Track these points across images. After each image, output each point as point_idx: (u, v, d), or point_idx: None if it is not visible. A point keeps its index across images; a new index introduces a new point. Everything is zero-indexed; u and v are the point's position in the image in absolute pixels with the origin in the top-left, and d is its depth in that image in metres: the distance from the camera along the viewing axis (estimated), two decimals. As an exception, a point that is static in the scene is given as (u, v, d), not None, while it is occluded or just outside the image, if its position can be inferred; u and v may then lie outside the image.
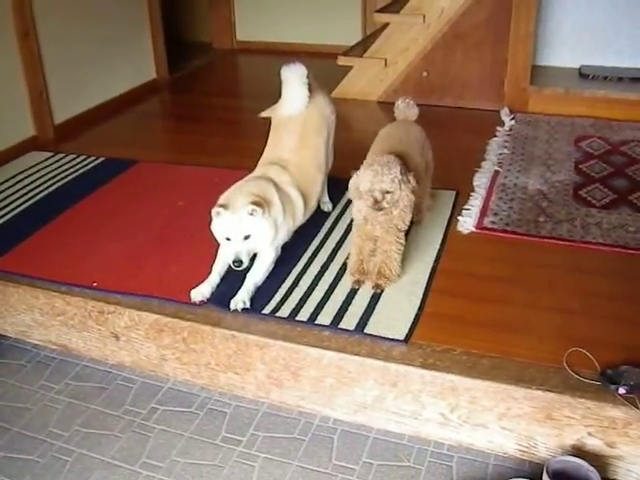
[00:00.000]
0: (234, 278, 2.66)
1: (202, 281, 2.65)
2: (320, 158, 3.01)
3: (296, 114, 3.00)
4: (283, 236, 2.76)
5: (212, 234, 2.61)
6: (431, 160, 2.99)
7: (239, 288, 2.60)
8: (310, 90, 3.01)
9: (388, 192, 2.43)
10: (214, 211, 2.53)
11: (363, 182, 2.45)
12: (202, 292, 2.60)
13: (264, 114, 3.11)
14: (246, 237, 2.53)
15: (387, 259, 2.60)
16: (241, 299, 2.54)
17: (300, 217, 2.84)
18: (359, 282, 2.65)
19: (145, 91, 5.31)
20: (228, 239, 2.55)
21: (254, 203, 2.52)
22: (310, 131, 3.00)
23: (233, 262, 2.53)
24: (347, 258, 2.73)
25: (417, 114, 3.02)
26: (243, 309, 2.54)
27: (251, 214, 2.51)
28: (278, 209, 2.67)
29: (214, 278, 2.64)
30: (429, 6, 4.62)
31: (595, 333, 2.38)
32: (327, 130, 3.07)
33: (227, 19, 6.70)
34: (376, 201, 2.43)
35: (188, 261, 2.83)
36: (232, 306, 2.54)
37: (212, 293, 2.61)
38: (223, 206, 2.52)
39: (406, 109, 3.02)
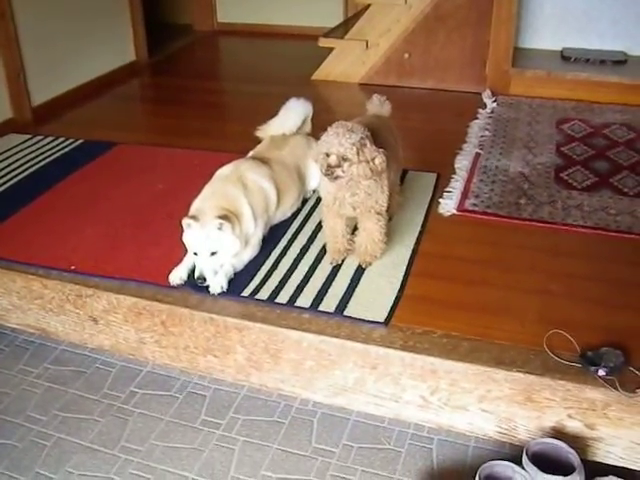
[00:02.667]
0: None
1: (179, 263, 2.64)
2: (298, 175, 3.06)
3: (288, 132, 3.16)
4: (261, 232, 2.77)
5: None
6: (401, 159, 2.91)
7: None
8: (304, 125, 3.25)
9: (345, 159, 2.34)
10: (185, 222, 2.50)
11: (321, 143, 2.38)
12: (180, 275, 2.58)
13: (258, 133, 3.22)
14: (213, 253, 2.51)
15: (370, 241, 2.60)
16: (219, 283, 2.52)
17: (273, 209, 2.85)
18: (336, 260, 2.67)
19: (124, 73, 5.26)
20: (195, 253, 2.54)
21: (222, 217, 2.49)
22: (294, 153, 3.07)
23: (197, 278, 2.52)
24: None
25: (390, 112, 2.92)
26: (221, 292, 2.52)
27: (219, 229, 2.48)
28: (248, 217, 2.66)
29: (190, 260, 2.62)
30: (411, -13, 4.59)
31: (575, 315, 2.38)
32: (307, 164, 3.10)
33: (208, 1, 6.64)
34: (330, 165, 2.36)
35: (167, 244, 2.80)
36: (211, 290, 2.52)
37: (189, 275, 2.59)
38: (193, 218, 2.50)
39: (380, 106, 2.91)
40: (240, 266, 2.65)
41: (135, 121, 4.54)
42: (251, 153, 3.07)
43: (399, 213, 2.98)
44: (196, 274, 2.52)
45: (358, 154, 2.33)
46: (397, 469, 2.35)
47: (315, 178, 3.07)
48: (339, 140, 2.33)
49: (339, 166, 2.35)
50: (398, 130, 2.87)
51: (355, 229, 2.67)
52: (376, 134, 2.49)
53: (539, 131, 3.98)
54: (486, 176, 3.41)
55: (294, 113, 3.19)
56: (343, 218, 2.60)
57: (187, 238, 2.54)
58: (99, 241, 2.90)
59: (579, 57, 4.67)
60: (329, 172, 2.36)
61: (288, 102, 3.22)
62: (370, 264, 2.64)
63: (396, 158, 2.75)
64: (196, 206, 2.63)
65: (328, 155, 2.36)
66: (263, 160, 2.92)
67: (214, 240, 2.49)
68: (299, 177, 3.06)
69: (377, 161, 2.38)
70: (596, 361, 2.11)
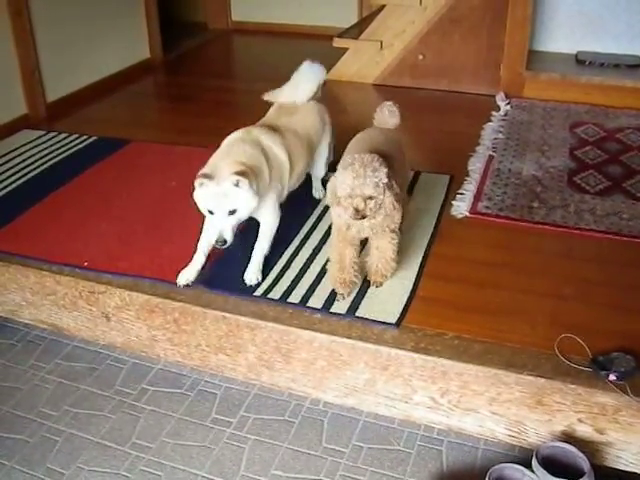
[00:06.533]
0: (228, 258, 2.68)
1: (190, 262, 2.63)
2: (310, 145, 2.95)
3: (299, 101, 3.00)
4: (278, 197, 2.68)
5: (195, 204, 2.48)
6: (408, 171, 2.82)
7: (231, 269, 2.61)
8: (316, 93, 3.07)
9: (371, 197, 2.19)
10: (197, 181, 2.38)
11: (341, 186, 2.21)
12: (187, 277, 2.57)
13: (267, 97, 3.08)
14: (231, 212, 2.40)
15: (383, 260, 2.48)
16: (254, 274, 2.54)
17: (287, 178, 2.74)
18: (343, 295, 2.49)
19: (138, 70, 5.27)
20: (211, 212, 2.42)
21: (240, 173, 2.36)
22: (304, 121, 2.97)
23: (217, 241, 2.41)
24: (327, 261, 2.57)
25: (397, 124, 2.75)
26: (236, 290, 2.53)
27: (236, 185, 2.36)
28: (265, 176, 2.55)
29: (200, 259, 2.60)
30: (426, -12, 4.59)
31: (587, 319, 2.38)
32: (318, 134, 3.03)
33: (222, -1, 6.66)
34: (357, 210, 2.20)
35: (180, 242, 2.81)
36: (247, 282, 2.54)
37: (200, 274, 2.59)
38: (207, 176, 2.37)
39: (389, 116, 2.73)
40: (268, 247, 2.63)
41: (149, 119, 4.55)
42: (260, 121, 2.93)
43: (411, 214, 2.97)
44: (215, 237, 2.41)
45: (384, 190, 2.22)
46: (407, 470, 2.35)
47: (323, 166, 3.07)
48: (360, 181, 2.17)
49: (366, 205, 2.21)
50: (411, 132, 2.88)
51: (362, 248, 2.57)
52: (385, 156, 2.40)
53: (552, 134, 3.97)
54: (499, 179, 3.41)
55: (308, 80, 3.03)
56: (354, 245, 2.45)
57: (199, 197, 2.42)
58: (112, 238, 2.92)
59: (594, 61, 4.64)
60: (358, 216, 2.22)
61: (301, 66, 3.06)
62: (381, 284, 2.55)
63: (404, 174, 2.71)
64: (211, 163, 2.49)
65: (351, 197, 2.21)
66: (273, 127, 2.79)
67: (232, 197, 2.38)
68: (309, 146, 2.92)
69: (397, 188, 2.30)
70: (607, 366, 2.11)
